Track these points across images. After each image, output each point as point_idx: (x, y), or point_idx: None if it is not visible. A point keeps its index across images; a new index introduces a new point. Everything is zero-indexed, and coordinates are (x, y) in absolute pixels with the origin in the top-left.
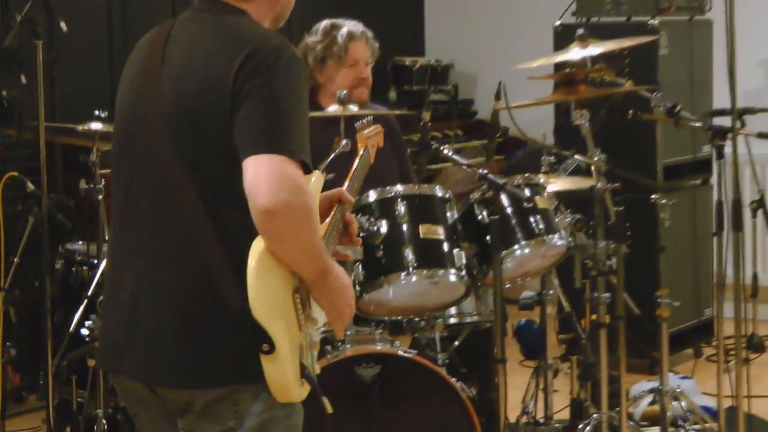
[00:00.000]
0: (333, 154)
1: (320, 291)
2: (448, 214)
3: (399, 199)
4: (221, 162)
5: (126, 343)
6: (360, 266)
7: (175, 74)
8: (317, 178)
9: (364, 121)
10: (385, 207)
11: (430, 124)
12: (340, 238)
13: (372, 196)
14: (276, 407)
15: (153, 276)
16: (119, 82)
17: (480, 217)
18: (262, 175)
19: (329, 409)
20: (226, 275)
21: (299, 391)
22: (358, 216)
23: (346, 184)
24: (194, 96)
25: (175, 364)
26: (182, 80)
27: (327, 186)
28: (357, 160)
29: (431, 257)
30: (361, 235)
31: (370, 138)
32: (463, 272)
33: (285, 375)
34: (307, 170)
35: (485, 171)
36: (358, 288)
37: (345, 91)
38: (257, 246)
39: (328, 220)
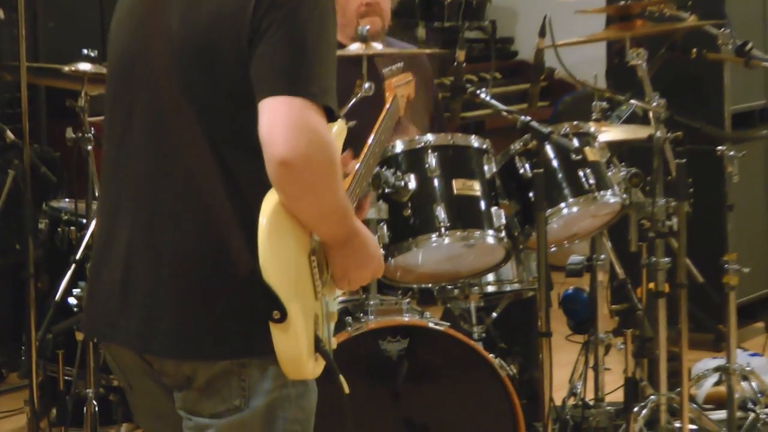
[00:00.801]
0: (354, 99)
1: (337, 256)
2: (486, 168)
3: (429, 151)
4: (235, 105)
5: (118, 307)
6: (385, 227)
7: (184, 3)
8: (339, 127)
9: (393, 68)
10: (414, 159)
11: (464, 65)
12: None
13: (399, 146)
14: (288, 385)
15: (151, 233)
16: (113, 14)
17: (522, 171)
18: (279, 120)
19: (346, 389)
20: (236, 233)
21: (313, 367)
22: (383, 170)
23: (371, 138)
24: (206, 28)
25: (174, 332)
26: (192, 10)
27: (349, 135)
28: (384, 112)
29: (466, 216)
30: (387, 191)
31: (400, 87)
32: (503, 234)
33: (297, 347)
34: (332, 118)
35: (528, 118)
36: (382, 251)
37: (368, 26)
38: (270, 201)
39: (351, 175)
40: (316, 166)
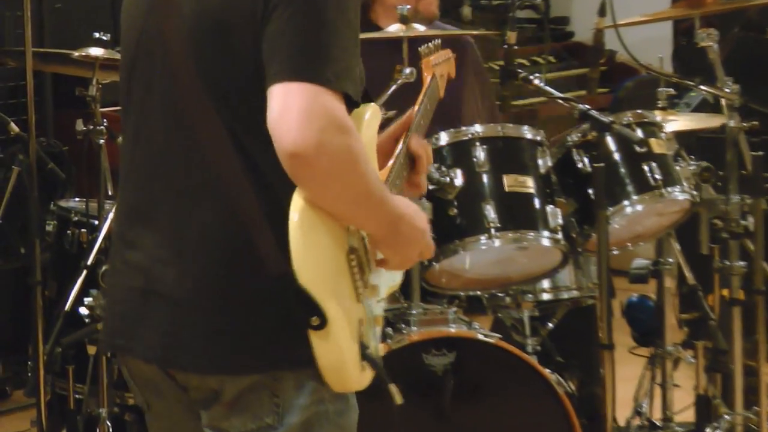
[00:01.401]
0: (394, 86)
1: (390, 246)
2: (540, 162)
3: (478, 143)
4: (255, 88)
5: (139, 316)
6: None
7: None
8: (372, 112)
9: (430, 44)
10: (461, 152)
11: (515, 48)
12: (407, 182)
13: (443, 138)
14: (325, 400)
15: (173, 232)
16: None
17: (580, 165)
18: (288, 108)
19: (398, 399)
20: (264, 232)
21: (359, 377)
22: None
23: (413, 117)
24: (220, 6)
25: (200, 342)
26: None
27: (389, 125)
28: (422, 94)
29: (518, 216)
30: (431, 188)
31: (438, 66)
32: (559, 235)
33: (341, 356)
34: (352, 105)
35: (587, 106)
36: None
37: (408, 6)
38: (299, 196)
39: (390, 162)
40: (333, 154)
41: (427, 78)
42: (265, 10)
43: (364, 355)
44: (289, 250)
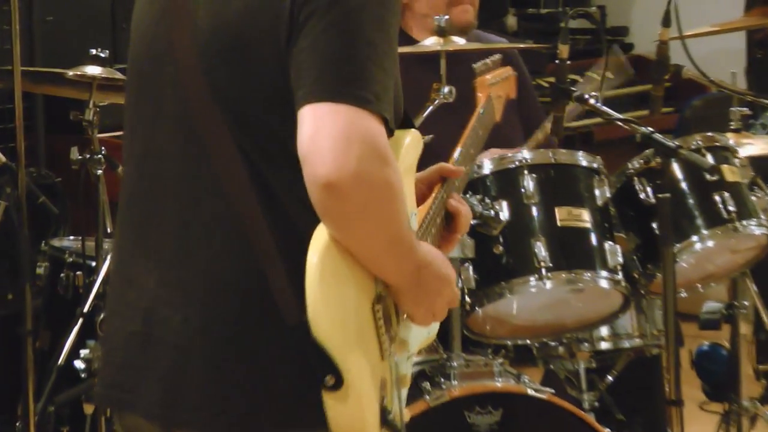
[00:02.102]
0: (430, 107)
1: (412, 298)
2: (597, 192)
3: (526, 171)
4: (275, 112)
5: (139, 367)
6: (471, 268)
7: None
8: (413, 139)
9: (488, 61)
10: (507, 182)
11: (567, 63)
12: (440, 236)
13: (487, 166)
14: None
15: (179, 270)
16: (131, 6)
17: (643, 196)
18: (321, 132)
19: None
20: (281, 274)
21: None
22: (469, 196)
23: (458, 151)
24: (238, 21)
25: (205, 397)
26: None
27: (425, 152)
28: (474, 118)
29: (573, 253)
30: (473, 222)
31: (496, 86)
32: (619, 275)
33: (359, 421)
34: (389, 132)
35: (650, 129)
36: (468, 299)
37: (446, 16)
38: (322, 234)
39: (424, 206)
40: (371, 187)
41: (482, 100)
42: (291, 26)
43: (385, 421)
44: (305, 297)
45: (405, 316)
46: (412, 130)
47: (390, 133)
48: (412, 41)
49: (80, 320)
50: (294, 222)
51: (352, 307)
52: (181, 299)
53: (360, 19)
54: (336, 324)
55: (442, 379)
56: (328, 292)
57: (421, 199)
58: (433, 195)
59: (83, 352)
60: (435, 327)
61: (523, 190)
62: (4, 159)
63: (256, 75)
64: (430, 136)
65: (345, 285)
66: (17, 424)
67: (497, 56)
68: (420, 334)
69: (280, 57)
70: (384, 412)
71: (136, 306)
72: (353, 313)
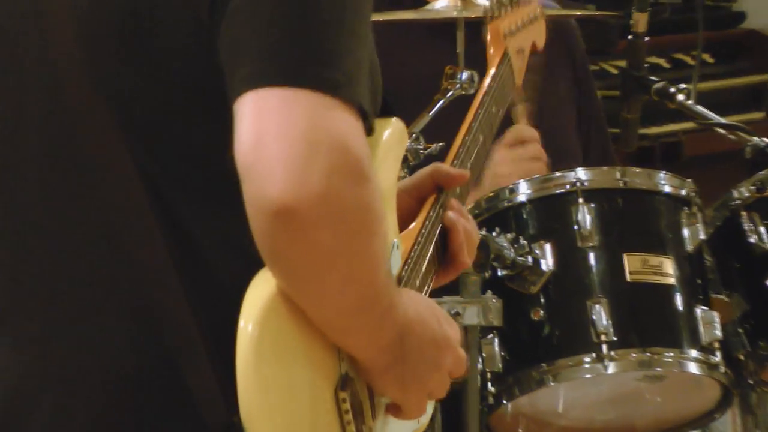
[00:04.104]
0: (442, 101)
1: (393, 379)
2: (687, 232)
3: (581, 198)
4: (194, 115)
5: None
6: (497, 341)
7: None
8: (394, 130)
9: None
10: (553, 214)
11: (646, 40)
12: (437, 269)
13: (524, 189)
14: None
15: (48, 347)
16: None
17: (754, 239)
18: (273, 132)
19: None
20: (196, 354)
21: None
22: (495, 234)
23: (460, 139)
24: None
25: None
26: None
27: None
28: (485, 87)
29: (648, 323)
30: (502, 274)
31: (515, 36)
32: (717, 356)
33: None
34: (368, 128)
35: (766, 141)
36: (492, 388)
37: None
38: (261, 289)
39: (410, 231)
40: (343, 218)
41: (495, 59)
42: None
43: None
44: (235, 388)
45: (383, 403)
46: (393, 119)
47: (368, 131)
48: (418, 2)
49: None
50: (220, 276)
51: (306, 398)
52: (49, 389)
53: None
54: (281, 425)
55: None
56: (269, 376)
57: (406, 217)
58: (424, 214)
59: None
60: (427, 412)
61: (576, 227)
62: None
63: (159, 57)
64: (439, 144)
65: (294, 365)
66: None
67: None
68: (405, 427)
69: (200, 33)
70: None
71: None
72: (307, 407)
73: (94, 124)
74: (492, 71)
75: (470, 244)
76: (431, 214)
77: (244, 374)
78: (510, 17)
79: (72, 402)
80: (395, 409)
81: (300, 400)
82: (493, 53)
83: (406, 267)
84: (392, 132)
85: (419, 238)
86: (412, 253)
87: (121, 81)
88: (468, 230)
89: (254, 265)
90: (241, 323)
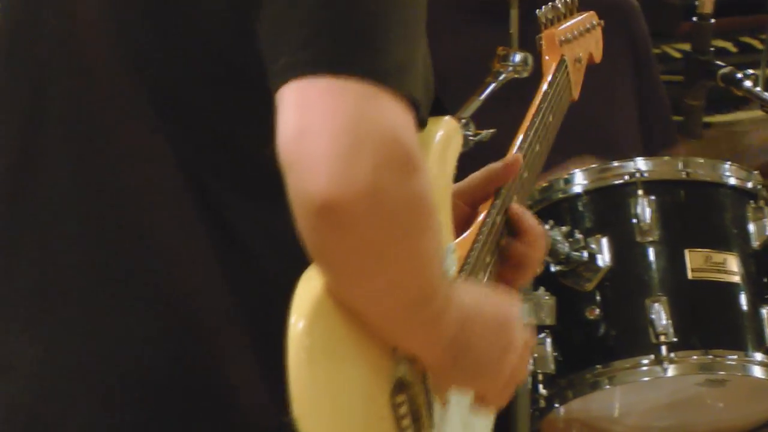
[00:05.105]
0: (492, 84)
1: (458, 375)
2: (753, 228)
3: (641, 190)
4: (230, 93)
5: None
6: (549, 341)
7: None
8: (448, 131)
9: (557, 3)
10: (610, 207)
11: (712, 21)
12: (499, 269)
13: (580, 180)
14: None
15: (68, 357)
16: None
17: None
18: (317, 124)
19: None
20: (241, 354)
21: None
22: (549, 228)
23: (518, 142)
24: None
25: None
26: None
27: (484, 153)
28: (540, 95)
29: (710, 324)
30: (555, 269)
31: (572, 43)
32: None
33: None
34: (420, 122)
35: None
36: (543, 390)
37: None
38: (310, 287)
39: (467, 238)
40: (393, 214)
41: (551, 65)
42: None
43: None
44: (287, 387)
45: (445, 406)
46: (446, 118)
47: (421, 123)
48: None
49: None
50: (263, 271)
51: (360, 401)
52: (71, 392)
53: None
54: (335, 426)
55: None
56: (323, 376)
57: (460, 224)
58: (481, 218)
59: None
60: (488, 424)
61: (635, 220)
62: None
63: (197, 36)
64: (490, 130)
65: (347, 366)
66: None
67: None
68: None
69: (239, 16)
70: None
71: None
72: (362, 410)
73: (124, 105)
74: (549, 77)
75: (536, 245)
76: (490, 217)
77: (294, 372)
78: (568, 24)
79: (92, 400)
80: (481, 401)
81: (354, 403)
82: (549, 60)
83: (464, 272)
84: (445, 132)
85: (476, 243)
86: (470, 257)
87: (154, 58)
88: (534, 230)
89: (300, 260)
90: (292, 320)
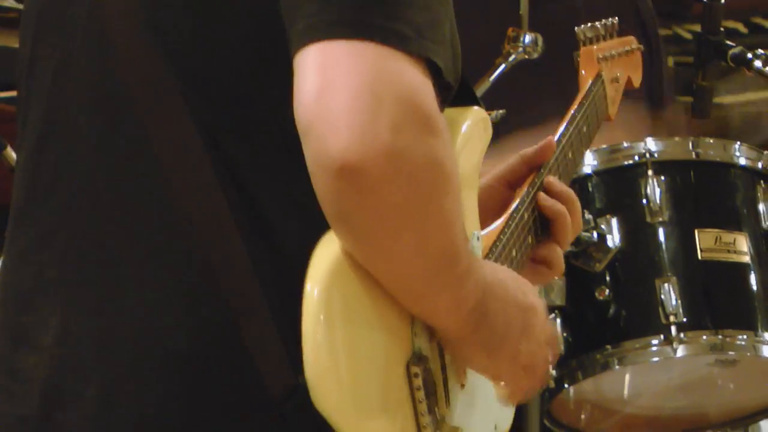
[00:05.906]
0: (504, 66)
1: (477, 345)
2: (763, 207)
3: (651, 171)
4: (251, 60)
5: None
6: (559, 321)
7: None
8: (476, 120)
9: (598, 24)
10: (620, 187)
11: (723, 2)
12: (529, 257)
13: (590, 160)
14: None
15: (93, 323)
16: None
17: None
18: (336, 85)
19: None
20: (260, 318)
21: None
22: None
23: (554, 156)
24: None
25: None
26: None
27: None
28: (576, 106)
29: (721, 304)
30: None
31: (610, 62)
32: None
33: None
34: (445, 88)
35: None
36: (553, 371)
37: None
38: (327, 251)
39: (502, 220)
40: (414, 175)
41: (587, 80)
42: None
43: None
44: (300, 352)
45: (461, 385)
46: (475, 108)
47: (446, 89)
48: None
49: None
50: (283, 235)
51: (375, 367)
52: (97, 366)
53: None
54: (349, 391)
55: None
56: (336, 339)
57: (501, 207)
58: (517, 200)
59: None
60: (509, 410)
61: (645, 201)
62: None
63: (220, 8)
64: (499, 111)
65: (364, 331)
66: None
67: (614, 19)
68: (487, 418)
69: None
70: None
71: (29, 375)
72: (377, 375)
73: (150, 81)
74: (585, 89)
75: (568, 229)
76: (525, 197)
77: (309, 336)
78: (606, 43)
79: (116, 374)
80: (497, 382)
81: (369, 368)
82: (586, 75)
83: (492, 254)
84: (474, 120)
85: (507, 227)
86: (499, 241)
87: (179, 34)
88: (566, 214)
89: (319, 227)
90: (308, 286)
